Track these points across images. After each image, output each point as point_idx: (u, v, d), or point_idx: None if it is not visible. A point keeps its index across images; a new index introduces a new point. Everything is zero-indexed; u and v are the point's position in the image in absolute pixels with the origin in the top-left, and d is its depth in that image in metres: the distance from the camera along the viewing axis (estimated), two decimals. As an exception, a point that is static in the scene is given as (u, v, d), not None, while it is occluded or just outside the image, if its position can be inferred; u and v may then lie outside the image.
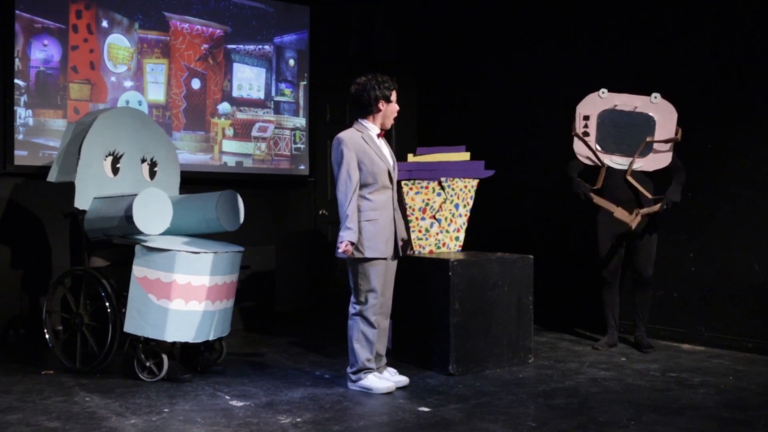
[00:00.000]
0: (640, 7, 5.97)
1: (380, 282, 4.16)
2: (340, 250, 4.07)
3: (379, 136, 4.25)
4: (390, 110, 4.24)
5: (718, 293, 5.42)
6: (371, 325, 4.16)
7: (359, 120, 4.25)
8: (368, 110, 4.21)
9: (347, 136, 4.16)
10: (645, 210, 5.06)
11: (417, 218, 4.96)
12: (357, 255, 4.11)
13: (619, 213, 5.07)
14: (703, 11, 5.56)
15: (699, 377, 4.51)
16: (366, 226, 4.12)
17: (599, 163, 5.26)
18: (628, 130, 5.22)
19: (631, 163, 5.16)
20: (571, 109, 5.41)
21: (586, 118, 5.28)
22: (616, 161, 5.23)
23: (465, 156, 5.16)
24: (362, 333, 4.16)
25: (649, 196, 5.14)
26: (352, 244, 4.08)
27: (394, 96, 4.24)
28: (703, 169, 5.47)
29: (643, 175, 5.23)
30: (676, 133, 5.14)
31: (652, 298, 5.42)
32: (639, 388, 4.24)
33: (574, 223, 6.32)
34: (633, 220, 5.01)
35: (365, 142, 4.16)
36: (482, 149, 5.73)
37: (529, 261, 4.93)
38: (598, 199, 5.18)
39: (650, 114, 5.20)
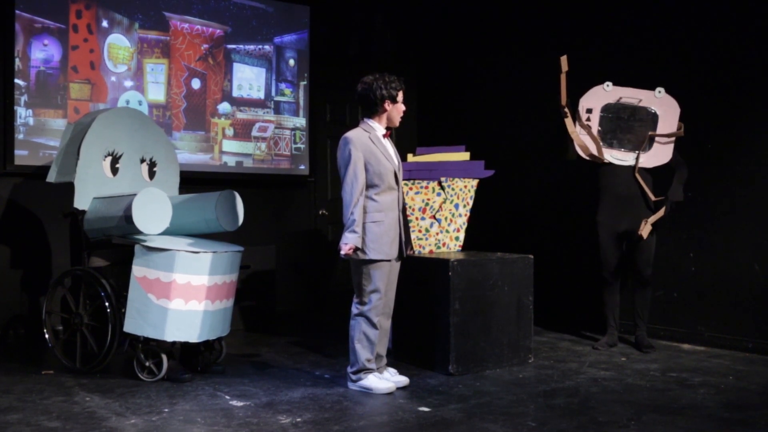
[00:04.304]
0: (640, 6, 5.97)
1: (384, 283, 4.16)
2: (342, 252, 4.06)
3: (384, 136, 4.24)
4: (396, 110, 4.22)
5: (718, 293, 5.42)
6: (374, 325, 4.16)
7: (365, 119, 4.24)
8: (374, 110, 4.19)
9: (355, 135, 4.14)
10: (652, 218, 5.05)
11: (417, 218, 4.96)
12: (361, 256, 4.10)
13: (577, 140, 5.20)
14: (707, 8, 5.56)
15: (699, 377, 4.51)
16: (371, 227, 4.11)
17: (599, 158, 5.23)
18: (631, 124, 5.22)
19: (637, 159, 5.14)
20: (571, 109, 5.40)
21: (589, 111, 5.27)
22: (616, 156, 5.22)
23: (465, 156, 5.16)
24: (364, 333, 4.16)
25: (653, 197, 5.14)
26: (357, 249, 4.08)
27: (400, 96, 4.22)
28: (704, 168, 5.47)
29: (643, 171, 5.23)
30: (679, 129, 5.14)
31: (651, 297, 5.42)
32: (639, 388, 4.24)
33: (574, 223, 6.32)
34: (642, 229, 5.00)
35: (372, 143, 4.14)
36: (482, 149, 5.74)
37: (529, 261, 4.93)
38: (570, 124, 5.21)
39: (653, 108, 5.20)
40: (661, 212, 5.10)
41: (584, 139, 5.25)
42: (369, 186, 4.13)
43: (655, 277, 5.42)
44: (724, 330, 5.38)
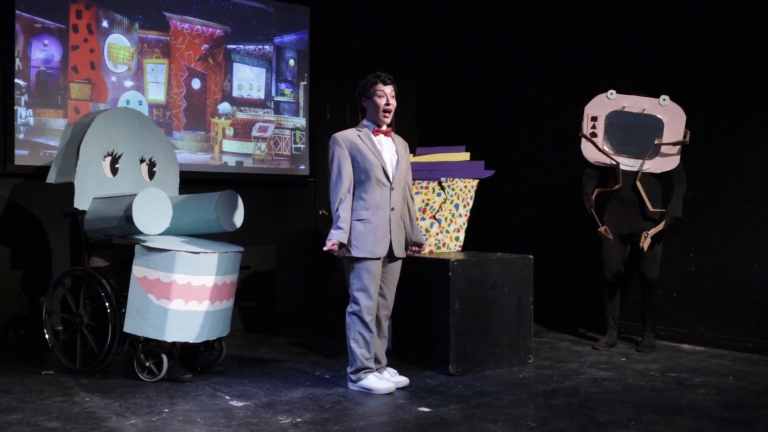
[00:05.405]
0: (641, 8, 5.97)
1: (372, 283, 4.14)
2: (325, 248, 4.08)
3: (381, 133, 4.24)
4: (372, 105, 4.19)
5: (718, 293, 5.42)
6: (366, 326, 4.15)
7: (362, 119, 4.28)
8: (361, 109, 4.27)
9: (341, 134, 4.20)
10: (653, 231, 5.04)
11: (417, 218, 4.96)
12: (345, 254, 4.12)
13: (603, 231, 5.19)
14: (709, 12, 5.56)
15: (699, 377, 4.51)
16: (356, 225, 4.13)
17: (611, 163, 5.21)
18: (635, 132, 5.20)
19: (640, 167, 5.13)
20: (572, 109, 5.40)
21: (594, 119, 5.25)
22: (623, 162, 5.21)
23: (465, 156, 5.16)
24: (359, 333, 4.16)
25: (651, 208, 5.12)
26: (342, 245, 4.09)
27: (375, 90, 4.16)
28: (704, 169, 5.47)
29: (651, 177, 5.21)
30: (684, 136, 5.12)
31: (658, 300, 5.40)
32: (639, 388, 4.24)
33: (574, 223, 6.32)
34: (643, 242, 4.99)
35: (360, 140, 4.17)
36: (482, 149, 5.74)
37: (529, 261, 4.92)
38: (601, 228, 5.21)
39: (658, 116, 5.18)
40: (660, 226, 5.08)
41: (589, 148, 5.24)
42: (357, 183, 4.15)
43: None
44: (724, 330, 5.38)
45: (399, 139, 4.39)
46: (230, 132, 6.81)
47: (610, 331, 5.43)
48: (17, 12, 5.72)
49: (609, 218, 5.29)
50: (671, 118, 5.16)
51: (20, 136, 5.75)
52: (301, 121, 7.25)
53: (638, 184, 5.13)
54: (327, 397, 4.03)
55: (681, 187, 5.19)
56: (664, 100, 5.17)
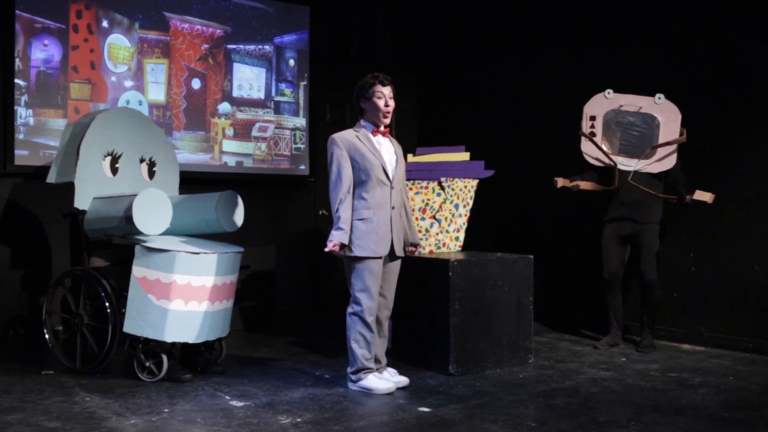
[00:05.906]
0: (640, 7, 5.97)
1: (374, 283, 4.14)
2: (326, 249, 4.08)
3: (379, 134, 4.24)
4: (372, 106, 4.20)
5: (718, 293, 5.42)
6: (368, 326, 4.15)
7: (359, 120, 4.28)
8: (359, 110, 4.27)
9: (339, 135, 4.21)
10: (697, 195, 5.02)
11: (417, 218, 4.96)
12: (347, 253, 4.12)
13: (562, 182, 5.27)
14: (706, 11, 5.56)
15: (699, 377, 4.51)
16: (358, 224, 4.13)
17: (609, 163, 5.23)
18: (632, 131, 5.22)
19: (634, 167, 5.13)
20: (571, 109, 5.40)
21: (593, 118, 5.27)
22: (621, 162, 5.22)
23: (465, 156, 5.16)
24: (360, 333, 4.16)
25: (659, 194, 5.14)
26: (343, 245, 4.08)
27: (374, 91, 4.17)
28: (703, 169, 5.47)
29: (650, 177, 5.22)
30: (681, 134, 5.14)
31: (657, 302, 5.40)
32: (639, 388, 4.24)
33: (574, 223, 6.32)
34: (690, 197, 5.00)
35: (359, 140, 4.18)
36: (482, 149, 5.74)
37: (529, 261, 4.92)
38: (563, 181, 5.28)
39: (654, 115, 5.20)
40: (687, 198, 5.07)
41: (589, 147, 5.26)
42: (357, 183, 4.16)
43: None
44: (724, 330, 5.37)
45: (394, 140, 4.41)
46: (230, 132, 6.81)
47: (613, 331, 5.43)
48: (17, 12, 5.73)
49: (609, 219, 5.31)
50: (667, 116, 5.18)
51: (20, 136, 5.75)
52: (301, 121, 7.25)
53: (632, 182, 5.12)
54: (327, 397, 4.03)
55: (682, 184, 5.20)
56: (659, 98, 5.19)
